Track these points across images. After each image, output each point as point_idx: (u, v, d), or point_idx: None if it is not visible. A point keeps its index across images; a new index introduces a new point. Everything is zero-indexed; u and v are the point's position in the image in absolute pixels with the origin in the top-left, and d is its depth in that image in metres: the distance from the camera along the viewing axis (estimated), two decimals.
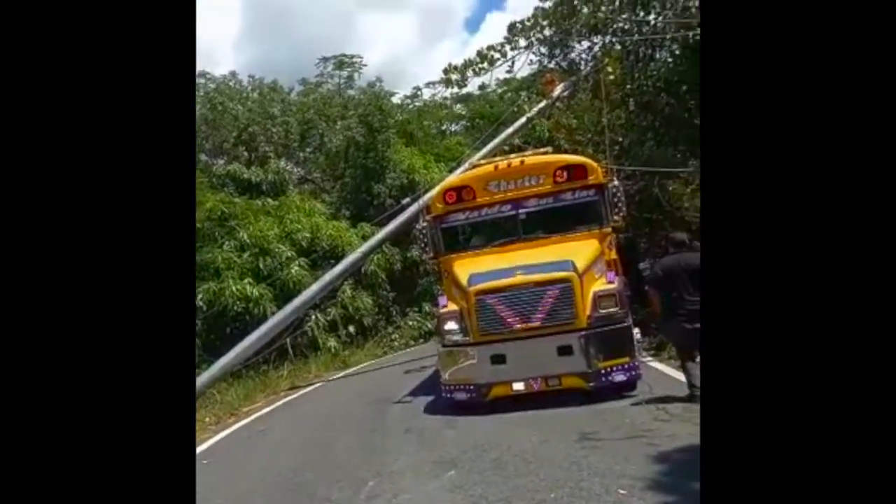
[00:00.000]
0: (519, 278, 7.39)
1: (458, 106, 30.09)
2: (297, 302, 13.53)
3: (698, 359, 6.79)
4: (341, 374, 14.40)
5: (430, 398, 8.88)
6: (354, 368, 15.07)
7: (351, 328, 17.33)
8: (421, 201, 12.87)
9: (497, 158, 9.69)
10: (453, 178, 10.20)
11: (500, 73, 19.66)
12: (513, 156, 9.36)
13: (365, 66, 24.28)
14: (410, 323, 19.52)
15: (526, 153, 9.54)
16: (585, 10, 12.84)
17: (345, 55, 24.12)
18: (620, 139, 12.70)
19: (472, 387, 7.59)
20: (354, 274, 16.75)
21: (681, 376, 7.49)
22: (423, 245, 8.94)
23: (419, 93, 27.13)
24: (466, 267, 8.12)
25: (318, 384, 13.21)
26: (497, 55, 12.31)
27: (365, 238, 17.66)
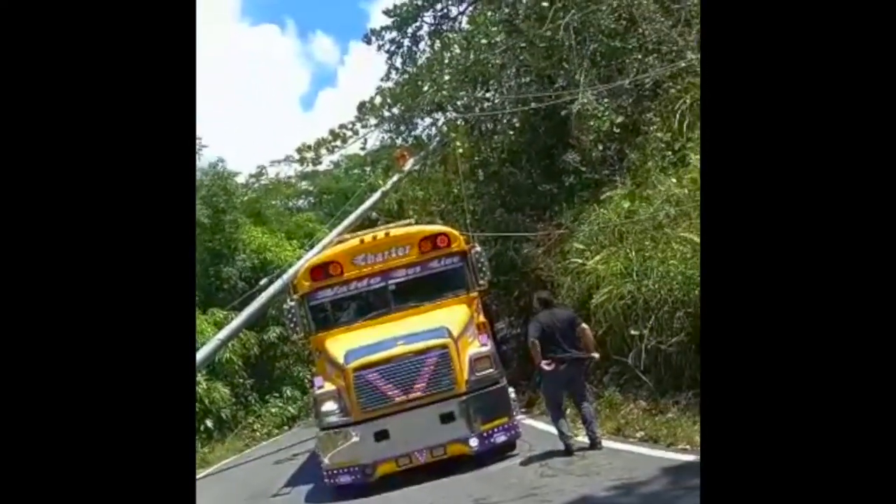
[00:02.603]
0: (398, 349, 7.38)
1: (304, 182, 29.95)
2: None
3: (584, 409, 7.12)
4: (204, 473, 13.30)
5: (309, 486, 8.46)
6: (217, 466, 14.00)
7: (208, 422, 16.16)
8: (280, 281, 12.55)
9: (361, 232, 9.75)
10: (319, 255, 10.08)
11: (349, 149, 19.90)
12: (376, 229, 9.45)
13: (205, 146, 23.51)
14: (273, 410, 18.60)
15: (389, 226, 9.70)
16: (427, 88, 13.54)
17: None
18: (472, 208, 13.32)
19: (356, 468, 7.34)
20: (208, 364, 15.73)
21: (553, 429, 7.77)
22: (292, 325, 8.66)
23: (264, 171, 26.65)
24: (340, 343, 7.97)
25: None
26: (349, 133, 12.58)
27: (217, 324, 16.75)
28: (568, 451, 7.00)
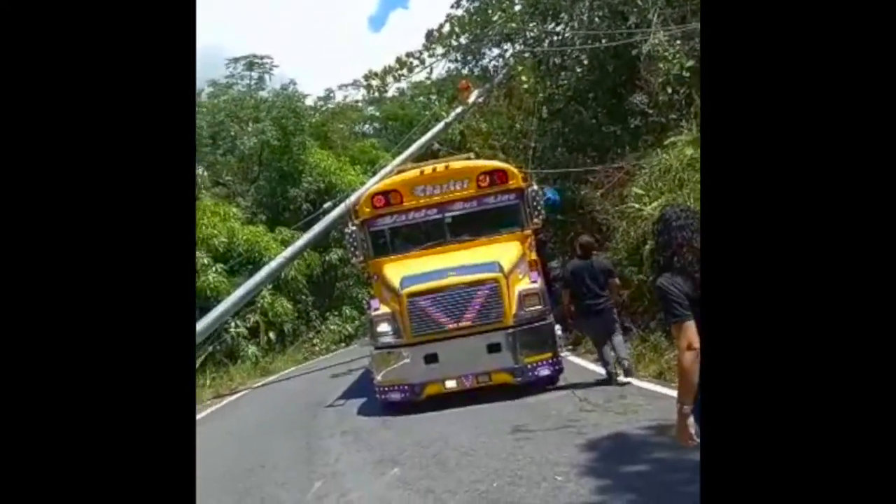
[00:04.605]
0: (450, 279, 7.70)
1: (371, 108, 30.13)
2: (220, 309, 13.25)
3: (614, 340, 7.78)
4: (266, 380, 14.26)
5: (362, 400, 9.04)
6: (279, 375, 14.94)
7: (271, 334, 17.17)
8: (344, 205, 12.97)
9: (422, 164, 9.96)
10: (381, 183, 10.38)
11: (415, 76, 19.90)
12: (437, 161, 9.63)
13: (276, 66, 23.94)
14: (332, 327, 19.52)
15: (449, 158, 9.86)
16: (497, 18, 13.33)
17: (255, 56, 23.62)
18: (534, 144, 13.29)
19: (405, 386, 7.83)
20: (274, 279, 16.58)
21: (597, 368, 8.13)
22: (352, 249, 9.07)
23: (332, 95, 27.01)
24: (397, 270, 8.33)
25: (244, 392, 13.06)
26: (416, 62, 12.61)
27: (284, 242, 17.50)
28: (609, 380, 7.59)
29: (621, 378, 7.55)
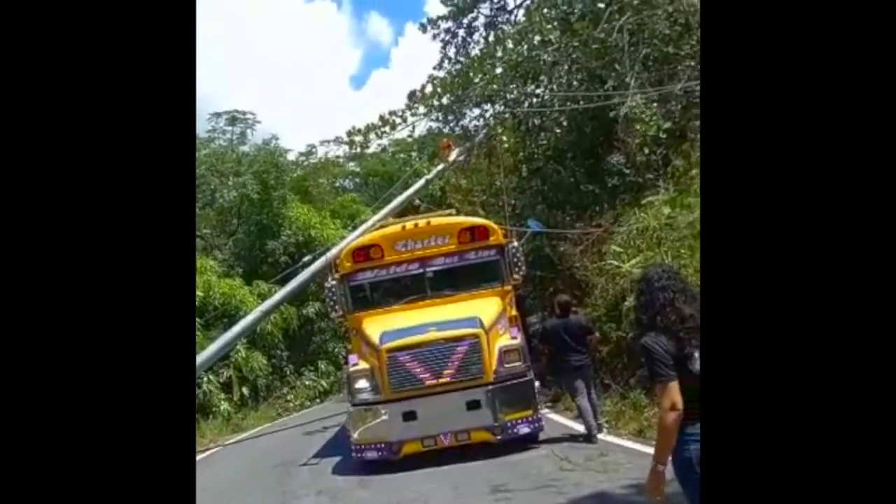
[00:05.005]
0: (431, 335, 7.64)
1: (352, 164, 30.45)
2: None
3: (586, 399, 7.82)
4: (238, 437, 13.87)
5: (337, 458, 8.81)
6: (251, 432, 14.56)
7: (244, 390, 16.79)
8: (323, 259, 12.91)
9: (403, 219, 10.01)
10: (362, 238, 10.39)
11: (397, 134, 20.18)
12: (419, 216, 9.70)
13: (259, 122, 24.15)
14: (307, 383, 19.17)
15: (430, 214, 9.94)
16: (478, 80, 13.69)
17: (237, 111, 23.89)
18: (513, 202, 13.48)
19: (383, 445, 7.65)
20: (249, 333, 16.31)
21: (577, 425, 8.06)
22: (331, 303, 8.99)
23: (314, 150, 27.28)
24: (376, 325, 8.25)
25: (216, 448, 12.67)
26: (398, 120, 12.83)
27: (261, 296, 17.31)
28: (587, 438, 7.57)
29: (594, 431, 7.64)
